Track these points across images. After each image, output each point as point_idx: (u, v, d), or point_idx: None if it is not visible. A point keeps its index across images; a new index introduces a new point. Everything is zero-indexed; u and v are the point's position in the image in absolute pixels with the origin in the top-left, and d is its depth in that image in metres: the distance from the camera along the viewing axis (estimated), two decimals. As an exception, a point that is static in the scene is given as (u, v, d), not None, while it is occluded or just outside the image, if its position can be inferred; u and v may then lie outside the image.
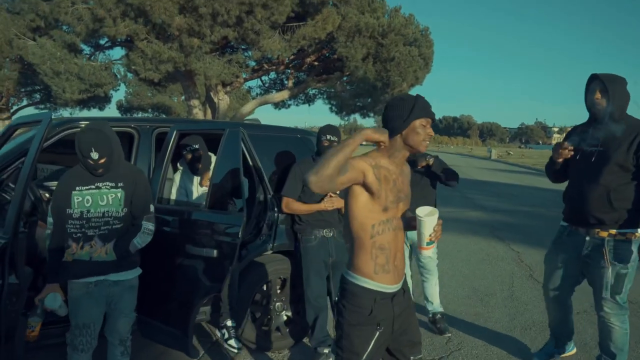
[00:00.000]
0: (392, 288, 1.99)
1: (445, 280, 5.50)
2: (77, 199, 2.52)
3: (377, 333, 1.95)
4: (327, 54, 16.75)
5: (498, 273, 5.87)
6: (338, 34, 14.60)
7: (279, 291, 3.64)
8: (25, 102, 24.69)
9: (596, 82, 2.78)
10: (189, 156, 3.56)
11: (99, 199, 2.54)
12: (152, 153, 3.32)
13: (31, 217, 3.17)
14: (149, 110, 32.52)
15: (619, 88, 2.73)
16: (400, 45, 14.81)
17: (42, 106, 23.12)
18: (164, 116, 29.92)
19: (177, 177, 3.66)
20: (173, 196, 3.55)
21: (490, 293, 5.12)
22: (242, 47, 14.70)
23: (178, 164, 3.71)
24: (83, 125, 2.90)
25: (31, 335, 2.53)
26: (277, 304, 3.60)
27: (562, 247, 3.05)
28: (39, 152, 2.60)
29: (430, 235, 1.95)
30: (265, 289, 3.58)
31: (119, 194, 2.58)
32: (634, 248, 2.74)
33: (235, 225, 2.76)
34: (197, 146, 3.54)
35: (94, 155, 2.46)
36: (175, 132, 3.20)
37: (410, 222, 2.07)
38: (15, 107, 24.54)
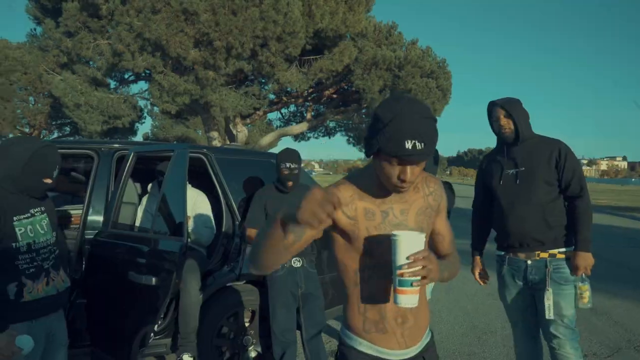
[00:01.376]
0: (394, 354, 1.46)
1: (444, 315, 5.19)
2: (20, 230, 2.23)
3: None
4: (345, 87, 16.83)
5: (503, 309, 5.49)
6: (355, 67, 14.68)
7: (247, 324, 3.44)
8: (56, 135, 25.67)
9: (497, 109, 2.78)
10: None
11: (39, 228, 2.31)
12: (112, 176, 3.23)
13: None
14: (174, 142, 33.26)
15: (519, 108, 2.75)
16: (417, 77, 14.73)
17: (72, 138, 23.97)
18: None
19: (145, 200, 3.56)
20: (138, 219, 3.44)
21: (491, 330, 4.77)
22: (261, 80, 14.91)
23: (149, 187, 3.61)
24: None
25: None
26: (246, 337, 3.40)
27: (508, 279, 2.91)
28: None
29: (401, 268, 1.24)
30: (232, 321, 3.39)
31: (46, 219, 2.38)
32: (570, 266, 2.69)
33: (173, 251, 2.59)
34: None
35: (54, 175, 2.28)
36: (132, 155, 3.11)
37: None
38: (46, 140, 25.52)
